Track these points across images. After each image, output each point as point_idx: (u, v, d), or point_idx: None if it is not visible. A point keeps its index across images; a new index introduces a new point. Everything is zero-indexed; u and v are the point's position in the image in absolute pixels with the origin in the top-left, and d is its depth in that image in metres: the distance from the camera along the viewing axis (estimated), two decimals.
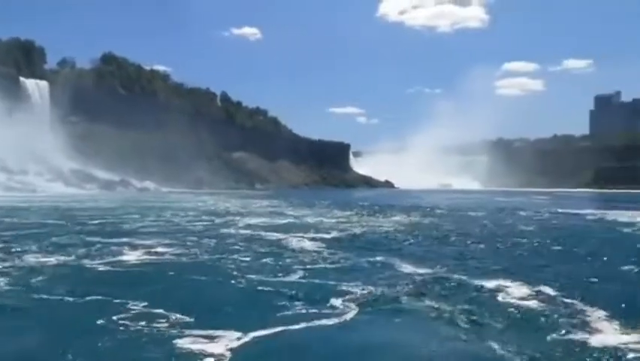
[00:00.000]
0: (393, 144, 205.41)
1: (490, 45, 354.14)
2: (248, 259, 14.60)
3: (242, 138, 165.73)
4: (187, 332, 7.70)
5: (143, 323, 8.10)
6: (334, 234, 21.43)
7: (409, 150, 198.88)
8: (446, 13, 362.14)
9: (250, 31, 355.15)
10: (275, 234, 20.81)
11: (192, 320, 8.26)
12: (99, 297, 9.73)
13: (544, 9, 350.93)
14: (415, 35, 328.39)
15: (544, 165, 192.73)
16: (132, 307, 8.95)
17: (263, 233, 21.25)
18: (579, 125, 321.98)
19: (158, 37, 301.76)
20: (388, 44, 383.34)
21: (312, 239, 19.07)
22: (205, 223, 26.85)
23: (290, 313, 8.81)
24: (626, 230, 24.83)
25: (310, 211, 37.79)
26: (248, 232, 22.10)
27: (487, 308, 9.17)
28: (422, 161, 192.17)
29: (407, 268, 13.12)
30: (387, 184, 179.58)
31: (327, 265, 13.52)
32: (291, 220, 29.06)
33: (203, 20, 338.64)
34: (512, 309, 9.18)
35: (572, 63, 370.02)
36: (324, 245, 17.29)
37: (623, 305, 9.43)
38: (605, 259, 15.48)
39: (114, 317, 8.38)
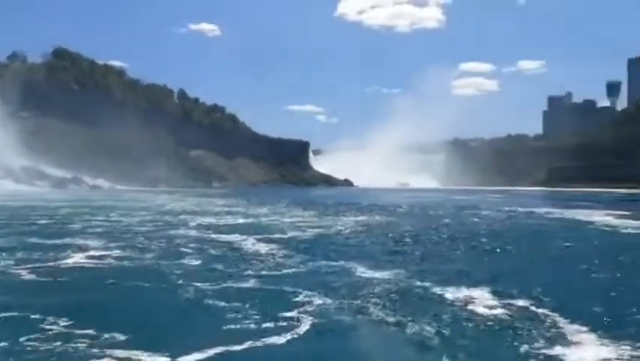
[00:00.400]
0: (352, 143, 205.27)
1: (447, 45, 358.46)
2: (196, 263, 13.48)
3: (200, 136, 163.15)
4: (110, 353, 6.57)
5: (57, 344, 6.82)
6: (291, 235, 20.45)
7: (369, 149, 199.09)
8: (404, 13, 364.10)
9: (208, 28, 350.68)
10: (228, 236, 19.67)
11: (122, 338, 7.11)
12: (14, 313, 8.36)
13: (500, 11, 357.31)
14: (374, 35, 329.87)
15: (500, 164, 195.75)
16: (50, 325, 7.67)
17: (215, 235, 20.06)
18: (533, 125, 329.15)
19: (115, 33, 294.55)
20: (347, 43, 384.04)
21: (268, 241, 17.98)
22: (156, 224, 25.47)
23: (237, 327, 7.78)
24: (587, 229, 24.62)
25: (267, 211, 36.71)
26: (200, 233, 20.89)
27: (451, 319, 8.33)
28: (381, 160, 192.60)
29: (367, 273, 12.17)
30: (347, 183, 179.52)
31: (282, 272, 12.48)
32: (247, 220, 27.93)
33: (160, 16, 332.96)
34: (480, 319, 8.36)
35: (526, 64, 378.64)
36: (280, 248, 16.23)
37: (595, 310, 8.79)
38: (568, 261, 14.95)
39: (22, 338, 6.99)
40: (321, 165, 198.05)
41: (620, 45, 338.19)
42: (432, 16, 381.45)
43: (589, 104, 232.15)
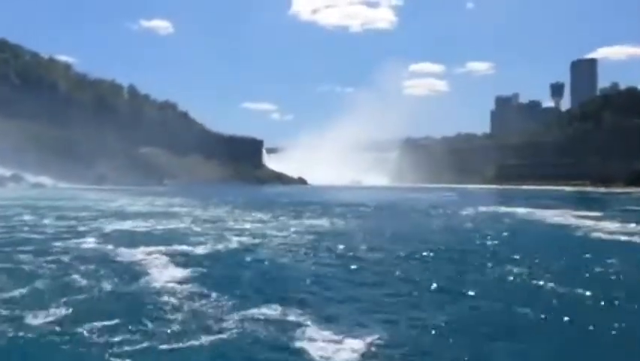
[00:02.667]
0: (306, 141, 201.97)
1: (399, 46, 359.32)
2: (59, 309, 8.77)
3: (150, 133, 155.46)
4: None
5: None
6: (220, 247, 15.99)
7: (322, 147, 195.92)
8: (357, 13, 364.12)
9: (161, 24, 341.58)
10: (137, 250, 14.92)
11: None
12: None
13: (450, 13, 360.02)
14: (327, 34, 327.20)
15: (450, 162, 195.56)
16: None
17: (123, 249, 15.26)
18: (481, 125, 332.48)
19: (65, 27, 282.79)
20: (301, 42, 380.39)
21: (184, 262, 13.13)
22: (63, 228, 20.69)
23: None
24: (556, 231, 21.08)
25: (205, 212, 31.97)
26: (104, 245, 16.11)
27: None
28: (335, 158, 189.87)
29: (321, 337, 7.72)
30: (300, 181, 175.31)
31: (179, 328, 7.91)
32: (175, 226, 23.06)
33: (112, 12, 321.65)
34: None
35: (475, 65, 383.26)
36: (194, 277, 11.45)
37: None
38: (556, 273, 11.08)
39: None
40: (274, 163, 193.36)
41: (563, 48, 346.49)
42: (384, 17, 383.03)
43: (534, 105, 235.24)
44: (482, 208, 36.71)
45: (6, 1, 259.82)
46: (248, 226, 22.98)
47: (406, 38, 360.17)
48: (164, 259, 13.46)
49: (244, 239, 17.98)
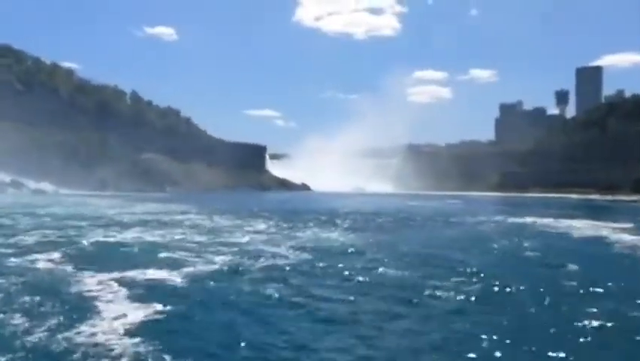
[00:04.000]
0: (309, 147, 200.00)
1: (402, 53, 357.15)
2: None
3: (152, 139, 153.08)
4: None
5: None
6: (199, 270, 13.43)
7: (326, 154, 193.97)
8: (361, 21, 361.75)
9: (165, 31, 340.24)
10: (98, 275, 12.20)
11: None
12: None
13: (453, 21, 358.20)
14: (331, 41, 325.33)
15: (453, 169, 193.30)
16: None
17: (82, 272, 12.43)
18: (484, 132, 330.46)
19: (70, 34, 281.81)
20: (304, 49, 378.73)
21: (146, 295, 10.33)
22: (33, 240, 18.17)
23: None
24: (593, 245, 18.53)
25: (201, 221, 29.47)
26: (63, 265, 13.48)
27: None
28: (338, 164, 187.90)
29: None
30: (304, 187, 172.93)
31: None
32: (161, 239, 20.44)
33: (116, 19, 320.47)
34: None
35: (478, 73, 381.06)
36: (152, 316, 8.74)
37: None
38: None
39: None
40: (278, 169, 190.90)
41: (567, 56, 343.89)
42: (388, 25, 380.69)
43: (539, 112, 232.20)
44: (498, 218, 34.12)
45: (9, 8, 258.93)
46: (244, 239, 20.38)
47: (409, 45, 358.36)
48: (123, 291, 10.60)
49: (233, 259, 15.21)
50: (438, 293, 10.63)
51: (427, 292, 10.67)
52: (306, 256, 15.49)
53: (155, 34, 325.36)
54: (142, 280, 11.46)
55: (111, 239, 19.36)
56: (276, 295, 10.41)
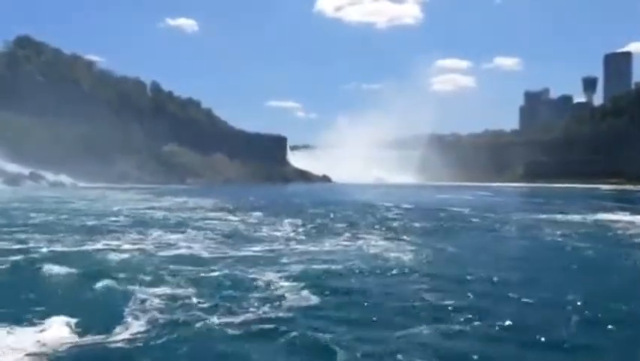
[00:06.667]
0: (331, 139, 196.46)
1: (425, 42, 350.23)
2: None
3: (173, 130, 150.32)
4: None
5: None
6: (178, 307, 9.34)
7: (347, 145, 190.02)
8: (382, 10, 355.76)
9: (187, 23, 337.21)
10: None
11: None
12: None
13: (476, 8, 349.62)
14: (352, 31, 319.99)
15: (477, 159, 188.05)
16: None
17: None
18: (508, 122, 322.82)
19: (92, 27, 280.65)
20: (326, 40, 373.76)
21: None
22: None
23: None
24: None
25: (218, 219, 25.35)
26: None
27: None
28: (359, 155, 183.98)
29: None
30: (325, 179, 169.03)
31: None
32: (149, 253, 16.15)
33: (138, 11, 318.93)
34: None
35: (502, 61, 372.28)
36: None
37: None
38: None
39: None
40: (299, 160, 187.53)
41: (595, 41, 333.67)
42: (410, 13, 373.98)
43: (565, 100, 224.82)
44: (546, 215, 29.39)
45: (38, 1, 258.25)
46: (252, 250, 15.90)
47: (432, 34, 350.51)
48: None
49: (235, 286, 10.80)
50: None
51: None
52: (319, 283, 11.17)
53: (177, 26, 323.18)
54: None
55: (63, 250, 15.45)
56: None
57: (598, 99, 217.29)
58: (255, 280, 10.76)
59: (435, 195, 65.44)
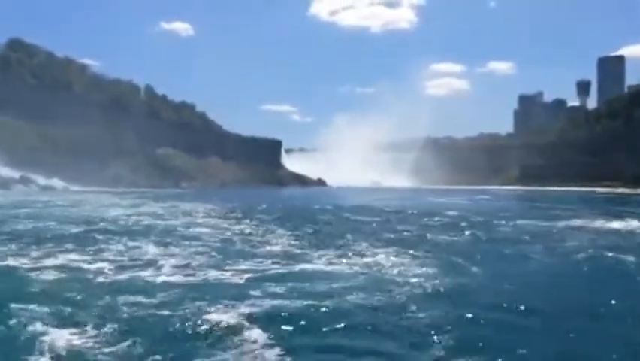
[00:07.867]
0: (326, 142, 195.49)
1: (420, 46, 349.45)
2: None
3: (167, 133, 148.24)
4: None
5: None
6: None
7: (342, 148, 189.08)
8: (377, 14, 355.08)
9: (181, 27, 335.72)
10: None
11: None
12: None
13: (471, 12, 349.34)
14: (347, 35, 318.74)
15: (471, 162, 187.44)
16: None
17: None
18: (503, 125, 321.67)
19: (86, 31, 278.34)
20: (321, 43, 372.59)
21: None
22: None
23: None
24: None
25: (208, 226, 23.22)
26: None
27: None
28: (354, 159, 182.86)
29: None
30: (320, 182, 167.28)
31: None
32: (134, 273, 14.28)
33: (132, 14, 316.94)
34: None
35: (496, 65, 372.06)
36: None
37: None
38: None
39: None
40: (294, 164, 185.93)
41: (589, 45, 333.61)
42: (404, 18, 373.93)
43: (559, 103, 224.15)
44: (550, 223, 27.03)
45: (22, 2, 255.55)
46: (234, 269, 14.12)
47: (426, 38, 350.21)
48: None
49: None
50: None
51: None
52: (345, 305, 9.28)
53: (172, 30, 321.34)
54: None
55: (52, 264, 13.37)
56: None
57: (592, 103, 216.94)
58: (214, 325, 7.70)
59: (435, 199, 63.36)
